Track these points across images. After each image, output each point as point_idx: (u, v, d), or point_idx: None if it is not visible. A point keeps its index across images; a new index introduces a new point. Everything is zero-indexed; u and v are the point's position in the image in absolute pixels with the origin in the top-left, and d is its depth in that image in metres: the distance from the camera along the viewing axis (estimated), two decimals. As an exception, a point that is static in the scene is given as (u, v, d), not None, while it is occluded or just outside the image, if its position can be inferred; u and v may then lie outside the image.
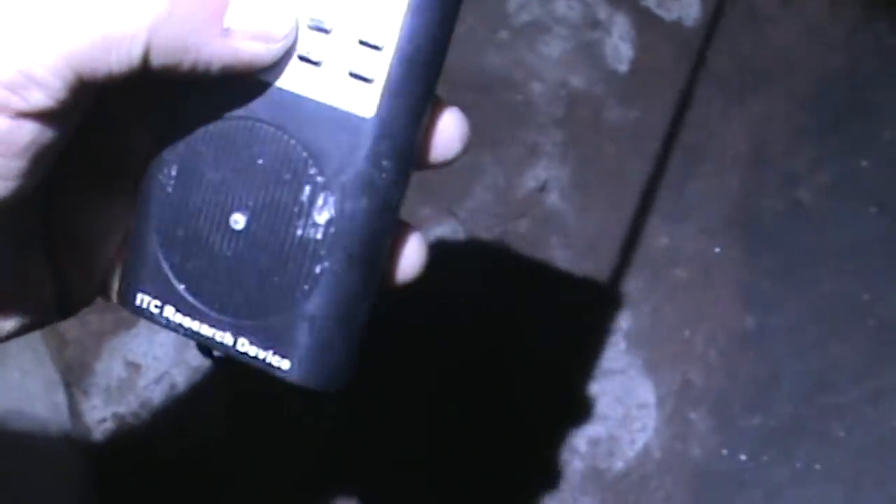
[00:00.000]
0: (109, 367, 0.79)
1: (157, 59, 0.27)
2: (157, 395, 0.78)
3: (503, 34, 0.89)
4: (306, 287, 0.30)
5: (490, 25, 0.89)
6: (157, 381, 0.78)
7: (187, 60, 0.27)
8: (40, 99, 0.25)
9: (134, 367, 0.79)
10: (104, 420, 0.77)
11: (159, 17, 0.26)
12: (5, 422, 0.69)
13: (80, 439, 0.76)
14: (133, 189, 0.32)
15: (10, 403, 0.70)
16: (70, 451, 0.75)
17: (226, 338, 0.31)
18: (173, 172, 0.31)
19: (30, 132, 0.26)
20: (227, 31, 0.28)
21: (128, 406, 0.78)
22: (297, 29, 0.29)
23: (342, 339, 0.31)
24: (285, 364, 0.31)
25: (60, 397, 0.77)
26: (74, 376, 0.79)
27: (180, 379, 0.78)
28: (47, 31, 0.25)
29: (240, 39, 0.28)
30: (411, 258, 0.32)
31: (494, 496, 0.74)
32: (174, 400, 0.78)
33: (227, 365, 0.33)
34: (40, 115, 0.26)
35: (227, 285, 0.31)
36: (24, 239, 0.31)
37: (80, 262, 0.33)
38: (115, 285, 0.33)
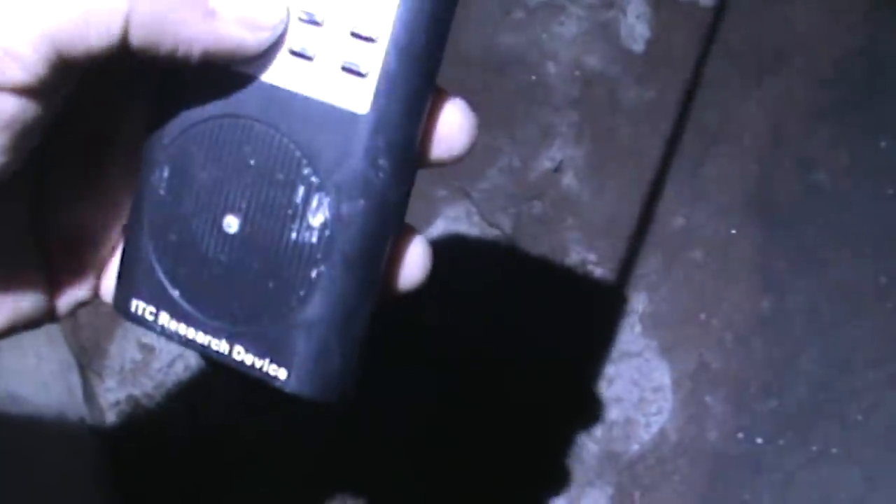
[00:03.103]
0: (123, 350, 0.79)
1: (136, 38, 0.26)
2: (171, 377, 0.78)
3: (518, 14, 0.88)
4: (302, 293, 0.29)
5: (504, 6, 0.88)
6: (171, 363, 0.78)
7: (167, 41, 0.27)
8: (19, 75, 0.25)
9: (148, 349, 0.79)
10: (118, 402, 0.77)
11: None
12: (21, 404, 0.69)
13: (95, 421, 0.76)
14: (123, 183, 0.32)
15: (25, 387, 0.70)
16: (85, 432, 0.75)
17: (221, 346, 0.30)
18: (165, 174, 0.30)
19: (11, 107, 0.26)
20: (211, 13, 0.27)
21: (142, 388, 0.78)
22: (287, 20, 0.28)
23: (341, 346, 0.30)
24: (282, 373, 0.30)
25: (75, 380, 0.77)
26: (89, 359, 0.79)
27: (194, 361, 0.78)
28: (28, 7, 0.25)
29: (224, 23, 0.27)
30: (414, 265, 0.31)
31: (509, 479, 0.74)
32: (188, 382, 0.78)
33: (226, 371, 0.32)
34: (21, 91, 0.26)
35: (222, 291, 0.30)
36: (13, 230, 0.31)
37: (72, 261, 0.32)
38: (107, 283, 0.33)
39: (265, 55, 0.29)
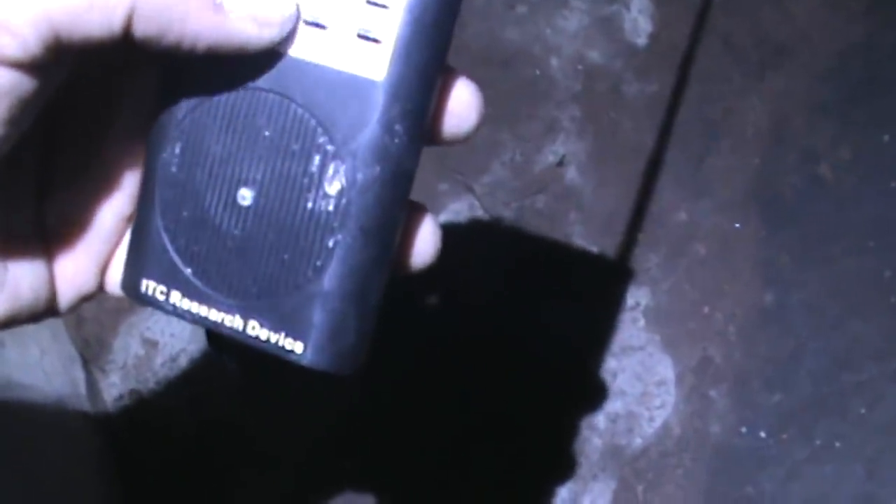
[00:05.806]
0: (127, 345, 0.79)
1: (139, 29, 0.26)
2: (174, 372, 0.78)
3: (521, 8, 0.88)
4: (319, 263, 0.29)
5: (508, 0, 0.88)
6: (174, 358, 0.78)
7: (171, 33, 0.26)
8: (11, 49, 0.25)
9: (151, 344, 0.79)
10: (121, 397, 0.77)
11: None
12: (25, 398, 0.69)
13: (98, 416, 0.76)
14: (122, 172, 0.32)
15: (29, 380, 0.70)
16: (88, 427, 0.75)
17: (235, 322, 0.30)
18: (177, 150, 0.30)
19: (5, 79, 0.25)
20: (218, 8, 0.27)
21: (144, 383, 0.78)
22: (297, 15, 0.28)
23: (357, 318, 0.30)
24: (298, 346, 0.29)
25: (78, 374, 0.77)
26: (92, 353, 0.79)
27: (197, 356, 0.78)
28: None
29: (232, 18, 0.27)
30: (426, 243, 0.31)
31: (512, 473, 0.74)
32: (191, 377, 0.78)
33: (236, 365, 0.32)
34: (14, 65, 0.25)
35: (236, 266, 0.30)
36: (17, 217, 0.31)
37: (74, 253, 0.32)
38: (112, 276, 0.33)
39: None
